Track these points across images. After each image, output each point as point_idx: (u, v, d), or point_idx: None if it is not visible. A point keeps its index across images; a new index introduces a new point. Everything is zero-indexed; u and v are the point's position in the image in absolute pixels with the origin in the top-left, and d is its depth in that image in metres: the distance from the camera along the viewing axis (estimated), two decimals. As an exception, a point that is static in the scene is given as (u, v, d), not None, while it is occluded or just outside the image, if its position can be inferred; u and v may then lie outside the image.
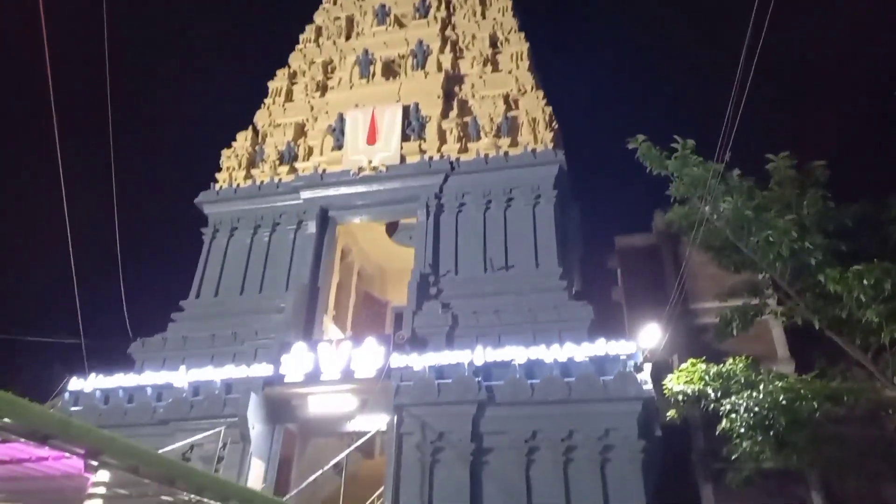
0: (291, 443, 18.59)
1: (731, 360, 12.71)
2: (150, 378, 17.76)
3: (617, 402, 15.03)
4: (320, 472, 15.15)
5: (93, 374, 17.84)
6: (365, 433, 17.15)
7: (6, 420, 5.16)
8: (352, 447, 16.45)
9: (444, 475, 15.30)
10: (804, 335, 15.10)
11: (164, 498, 7.79)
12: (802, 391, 11.19)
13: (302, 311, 19.47)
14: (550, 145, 20.68)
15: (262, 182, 22.40)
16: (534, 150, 20.58)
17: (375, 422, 17.22)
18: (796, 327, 13.96)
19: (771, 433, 11.28)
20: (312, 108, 24.01)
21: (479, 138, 21.43)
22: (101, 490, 6.47)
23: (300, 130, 23.85)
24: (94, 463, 6.23)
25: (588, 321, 17.20)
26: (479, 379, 15.91)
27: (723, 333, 12.58)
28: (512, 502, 14.67)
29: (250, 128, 24.24)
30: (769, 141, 14.04)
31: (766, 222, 12.04)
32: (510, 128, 21.55)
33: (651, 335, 15.96)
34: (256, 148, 23.54)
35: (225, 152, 23.69)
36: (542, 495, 14.65)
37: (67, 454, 6.05)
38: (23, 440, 5.53)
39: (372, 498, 15.51)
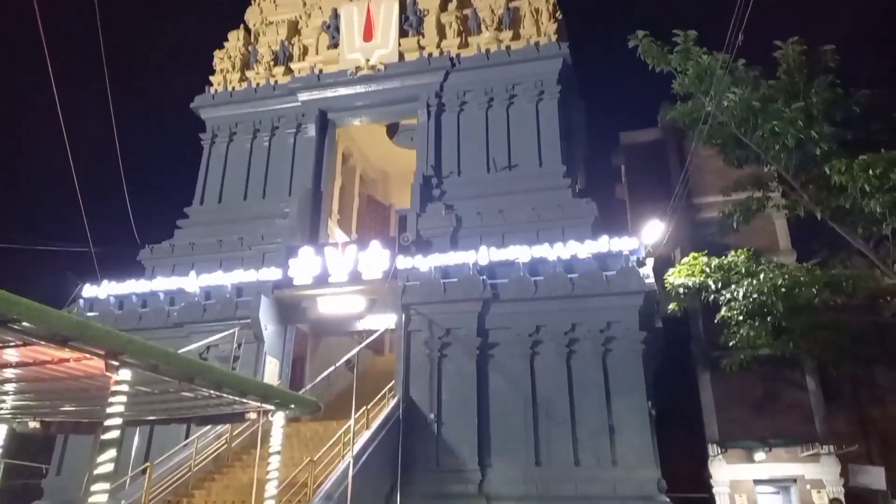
0: (304, 342, 19.23)
1: (732, 253, 12.85)
2: (161, 284, 18.15)
3: (619, 296, 15.36)
4: (332, 368, 15.76)
5: (105, 281, 18.22)
6: (374, 332, 17.70)
7: (25, 324, 5.31)
8: (362, 345, 17.01)
9: (452, 369, 15.91)
10: (806, 227, 15.19)
11: (184, 394, 8.14)
12: (802, 278, 11.37)
13: (306, 215, 19.55)
14: (554, 37, 19.93)
15: (257, 84, 21.86)
16: (537, 44, 19.87)
17: (384, 321, 17.72)
18: (799, 220, 14.00)
19: (769, 320, 11.56)
20: (305, 4, 23.01)
21: (479, 32, 20.64)
22: (124, 388, 6.73)
23: (293, 28, 22.98)
24: (115, 363, 6.46)
25: (591, 218, 17.28)
26: (484, 277, 16.21)
27: (725, 227, 12.63)
28: (517, 392, 15.33)
29: (241, 27, 23.36)
30: (777, 30, 13.45)
31: (772, 113, 11.79)
32: (512, 20, 20.70)
33: (654, 231, 16.06)
34: (249, 48, 22.80)
35: (217, 53, 22.97)
36: (546, 384, 15.29)
37: (88, 355, 6.28)
38: (43, 343, 5.72)
39: (383, 391, 16.19)
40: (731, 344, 12.64)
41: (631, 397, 14.76)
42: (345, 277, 17.13)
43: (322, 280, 17.23)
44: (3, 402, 8.22)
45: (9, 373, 6.77)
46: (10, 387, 7.45)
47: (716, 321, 12.98)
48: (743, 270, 12.20)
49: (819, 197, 12.31)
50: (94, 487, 6.49)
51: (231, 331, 15.84)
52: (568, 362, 15.46)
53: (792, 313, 11.44)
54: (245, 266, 18.14)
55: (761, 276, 11.55)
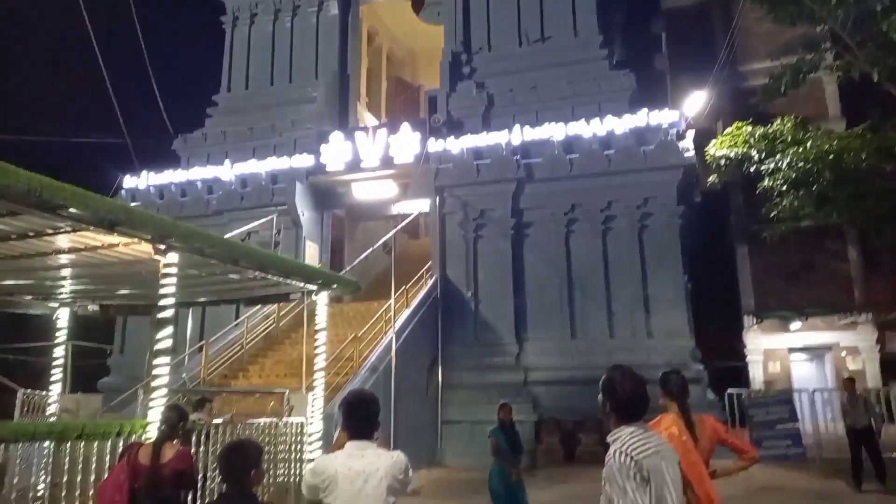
0: (341, 227, 19.57)
1: (778, 121, 12.29)
2: (197, 173, 18.40)
3: (657, 170, 15.04)
4: (370, 250, 16.10)
5: (144, 172, 18.53)
6: (409, 215, 17.86)
7: (73, 210, 5.45)
8: (397, 228, 17.22)
9: (487, 249, 16.10)
10: (858, 92, 14.35)
11: (231, 276, 8.44)
12: (851, 144, 10.88)
13: (335, 99, 19.23)
14: None
15: (275, -40, 20.81)
16: None
17: (418, 205, 17.81)
18: (850, 84, 13.22)
19: (814, 189, 11.23)
20: None
21: None
22: (174, 270, 6.99)
23: None
24: (162, 247, 6.67)
25: (629, 91, 16.61)
26: (518, 157, 15.96)
27: (772, 92, 11.97)
28: (552, 269, 15.52)
29: None
30: None
31: (830, -38, 10.81)
32: None
33: (695, 102, 15.41)
34: (264, -78, 21.49)
35: (232, -71, 21.75)
36: (581, 261, 15.42)
37: (136, 240, 6.48)
38: (92, 228, 5.90)
39: (420, 272, 16.56)
40: (772, 215, 12.40)
41: (667, 271, 14.83)
42: (376, 162, 17.06)
43: (354, 165, 17.20)
44: (62, 286, 8.65)
45: (63, 258, 7.06)
46: (66, 272, 7.80)
47: (757, 192, 12.67)
48: (789, 139, 11.71)
49: (876, 57, 11.50)
50: (156, 362, 6.92)
51: (269, 217, 16.14)
52: (603, 239, 15.47)
53: (838, 181, 11.05)
54: (277, 153, 18.18)
55: (808, 143, 11.07)
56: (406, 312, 14.28)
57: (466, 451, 13.46)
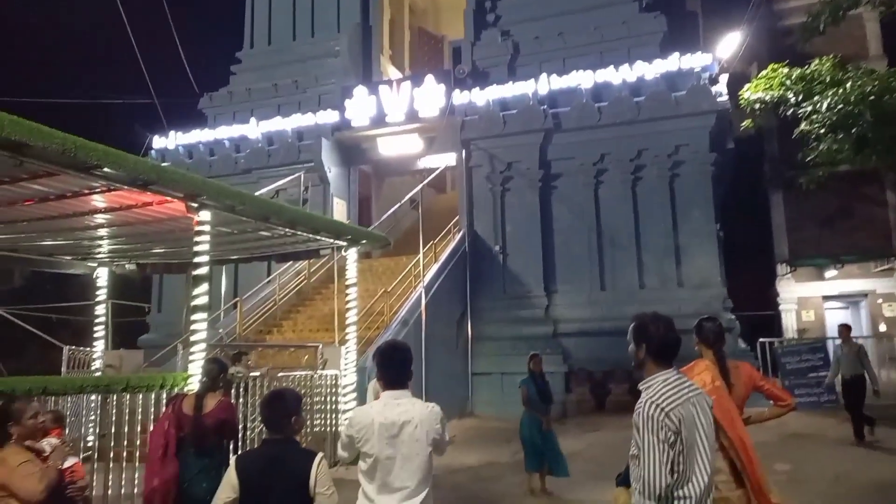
0: (368, 183, 19.59)
1: (816, 62, 11.79)
2: (224, 132, 18.49)
3: (689, 117, 14.67)
4: (397, 205, 16.13)
5: (172, 132, 18.68)
6: (435, 170, 17.78)
7: (107, 169, 5.54)
8: (423, 183, 17.19)
9: (515, 202, 15.99)
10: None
11: (262, 233, 8.57)
12: (893, 84, 10.43)
13: (357, 52, 19.00)
14: None
15: None
16: None
17: (444, 159, 17.69)
18: (893, 21, 12.58)
19: (853, 132, 10.82)
20: None
21: None
22: (206, 228, 7.11)
23: None
24: (194, 205, 6.78)
25: (660, 34, 16.09)
26: (545, 107, 15.68)
27: (810, 31, 11.44)
28: (581, 221, 15.39)
29: None
30: None
31: None
32: None
33: (729, 44, 14.80)
34: None
35: None
36: (611, 212, 15.25)
37: (169, 198, 6.59)
38: (126, 188, 6.00)
39: (448, 227, 16.57)
40: (808, 160, 12.02)
41: (698, 221, 14.61)
42: (401, 117, 16.92)
43: (379, 120, 17.08)
44: (100, 246, 8.87)
45: (100, 218, 7.21)
46: (103, 231, 7.97)
47: (793, 137, 12.26)
48: (827, 80, 11.23)
49: (922, -11, 10.91)
50: (193, 317, 7.11)
51: (297, 174, 16.22)
52: (633, 189, 15.25)
53: (878, 124, 10.61)
54: (302, 109, 18.13)
55: (848, 84, 10.62)
56: (435, 267, 14.35)
57: (497, 402, 13.68)
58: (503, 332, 14.73)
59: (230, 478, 2.91)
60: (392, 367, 3.02)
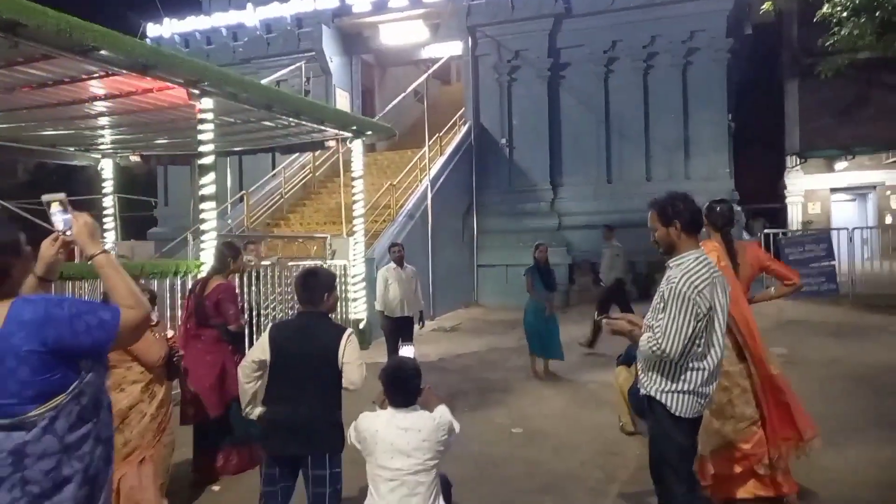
0: (371, 73, 19.04)
1: (846, -63, 11.06)
2: (221, 19, 17.75)
3: (706, 0, 14.00)
4: (401, 96, 15.75)
5: (166, 19, 17.96)
6: (440, 59, 17.18)
7: (104, 52, 5.37)
8: (428, 73, 16.67)
9: (522, 92, 15.57)
10: None
11: (265, 123, 8.42)
12: (924, -36, 9.83)
13: (357, -69, 17.85)
14: None
15: None
16: None
17: (449, 48, 17.07)
18: None
19: (876, 15, 10.33)
20: None
21: None
22: (209, 116, 6.99)
23: None
24: (196, 92, 6.62)
25: None
26: (555, -10, 14.94)
27: None
28: (589, 112, 15.06)
29: None
30: None
31: None
32: None
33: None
34: None
35: None
36: (620, 103, 14.87)
37: (170, 84, 6.43)
38: (125, 73, 5.84)
39: (454, 119, 16.24)
40: (827, 46, 11.54)
41: (710, 111, 14.28)
42: (405, 2, 16.15)
43: (381, 6, 16.32)
44: (102, 136, 8.77)
45: (100, 106, 7.08)
46: (104, 120, 7.86)
47: (814, 21, 11.72)
48: (856, -43, 10.60)
49: None
50: (202, 206, 7.14)
51: (297, 65, 15.72)
52: (644, 78, 14.80)
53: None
54: (301, -4, 17.29)
55: (878, -38, 10.03)
56: (440, 160, 14.22)
57: (501, 292, 13.97)
58: (508, 225, 14.80)
59: (263, 341, 3.05)
60: (398, 392, 2.86)
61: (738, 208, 13.76)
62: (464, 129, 15.69)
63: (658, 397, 2.83)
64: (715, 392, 2.96)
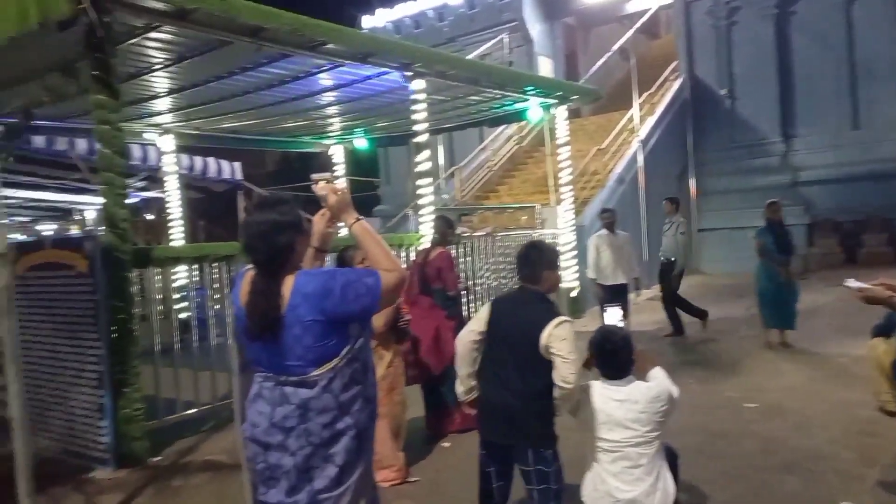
0: (573, 36, 18.58)
1: None
2: (427, 2, 18.50)
3: None
4: (606, 56, 15.18)
5: (378, 10, 19.22)
6: (646, 11, 16.23)
7: (331, 45, 5.90)
8: (633, 28, 15.84)
9: (744, 36, 14.08)
10: None
11: (472, 98, 8.66)
12: None
13: None
14: None
15: None
16: None
17: (656, -1, 16.01)
18: None
19: None
20: None
21: None
22: (422, 97, 7.37)
23: None
24: (410, 73, 7.00)
25: None
26: None
27: None
28: (827, 51, 13.15)
29: None
30: None
31: None
32: None
33: None
34: None
35: None
36: (866, 37, 12.79)
37: (386, 69, 6.87)
38: (348, 62, 6.35)
39: (664, 75, 15.19)
40: None
41: None
42: (607, -46, 15.44)
43: (582, -37, 15.79)
44: (331, 124, 9.67)
45: (328, 96, 7.80)
46: (332, 110, 8.65)
47: None
48: None
49: None
50: (419, 182, 7.59)
51: (499, 37, 15.84)
52: (898, 3, 12.55)
53: None
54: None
55: None
56: (651, 120, 13.48)
57: (725, 258, 12.97)
58: (732, 184, 13.61)
59: (482, 313, 2.95)
60: (608, 365, 2.70)
61: None
62: (676, 84, 14.67)
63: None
64: None
